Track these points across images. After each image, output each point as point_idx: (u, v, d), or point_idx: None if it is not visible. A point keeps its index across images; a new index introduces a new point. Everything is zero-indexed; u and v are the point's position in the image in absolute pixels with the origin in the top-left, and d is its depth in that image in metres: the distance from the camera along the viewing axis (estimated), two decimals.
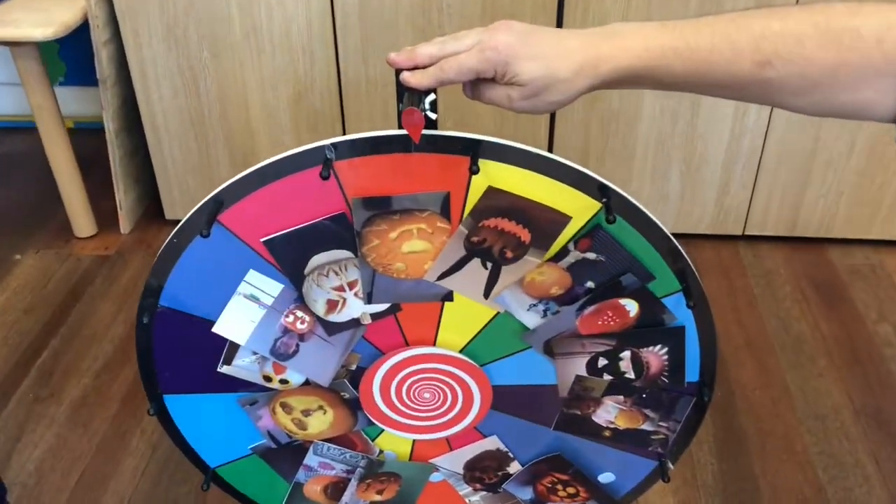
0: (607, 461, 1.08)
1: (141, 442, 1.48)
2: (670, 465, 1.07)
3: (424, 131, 0.80)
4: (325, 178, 0.82)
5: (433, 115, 0.80)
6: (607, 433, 1.04)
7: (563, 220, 0.86)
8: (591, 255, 0.89)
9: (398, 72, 0.80)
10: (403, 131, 0.80)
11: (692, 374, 0.98)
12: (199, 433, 1.06)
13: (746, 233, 1.92)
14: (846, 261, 1.87)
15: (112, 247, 1.99)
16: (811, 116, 0.77)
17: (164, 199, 2.00)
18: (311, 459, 1.07)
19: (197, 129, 1.89)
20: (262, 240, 0.89)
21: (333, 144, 0.84)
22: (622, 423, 1.03)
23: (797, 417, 1.48)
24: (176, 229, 0.90)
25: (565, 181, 0.84)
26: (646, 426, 1.03)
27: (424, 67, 0.78)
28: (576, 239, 0.88)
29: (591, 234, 0.87)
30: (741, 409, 1.49)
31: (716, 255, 1.89)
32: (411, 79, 0.78)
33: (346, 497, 1.11)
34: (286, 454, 1.07)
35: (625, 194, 0.86)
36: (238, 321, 0.95)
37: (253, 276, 0.92)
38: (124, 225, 2.02)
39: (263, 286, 0.93)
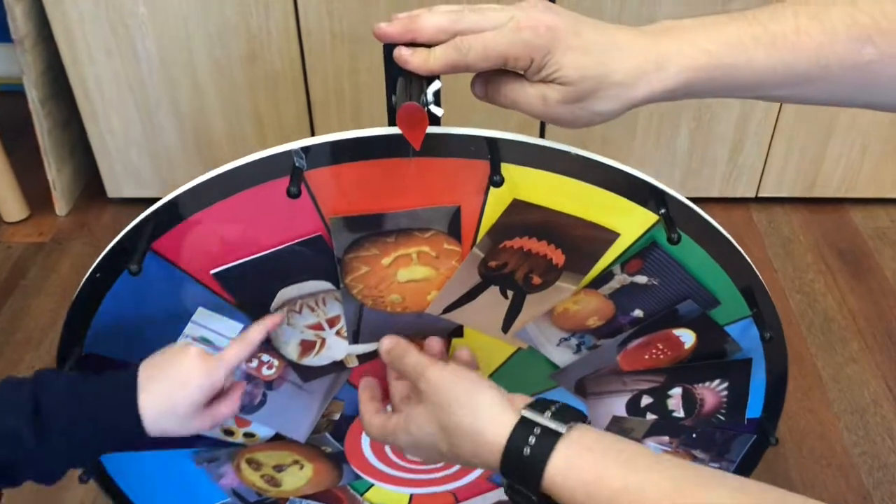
0: None
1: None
2: None
3: (429, 129, 0.59)
4: (293, 195, 0.61)
5: (438, 111, 0.59)
6: None
7: (609, 237, 0.66)
8: (641, 279, 0.69)
9: (389, 48, 0.58)
10: (396, 129, 0.59)
11: (754, 409, 0.80)
12: (148, 494, 0.86)
13: (760, 195, 1.73)
14: (870, 223, 1.69)
15: (47, 232, 1.74)
16: None
17: (104, 176, 1.75)
18: None
19: (137, 94, 1.64)
20: (213, 272, 0.68)
21: (304, 149, 0.63)
22: None
23: (833, 412, 1.32)
24: (98, 262, 0.68)
25: (611, 188, 0.64)
26: None
27: (428, 46, 0.56)
28: (624, 260, 0.68)
29: (643, 253, 0.67)
30: None
31: (727, 221, 1.70)
32: (413, 59, 0.56)
33: None
34: None
35: (686, 201, 0.66)
36: None
37: (203, 315, 0.71)
38: (60, 206, 1.77)
39: (217, 327, 0.72)
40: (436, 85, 0.57)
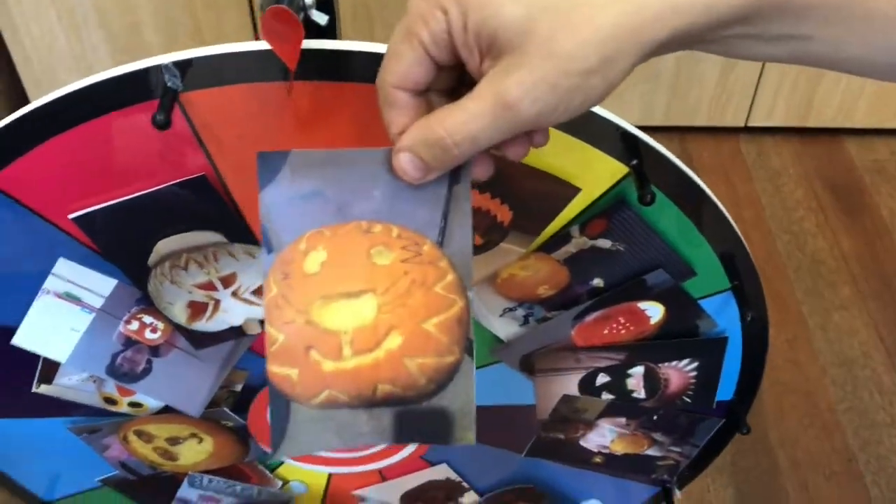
0: (593, 487, 0.80)
1: None
2: (678, 493, 0.79)
3: (309, 45, 0.45)
4: (160, 125, 0.47)
5: (321, 18, 0.45)
6: (598, 459, 0.75)
7: (567, 192, 0.54)
8: (604, 244, 0.57)
9: None
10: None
11: (726, 392, 0.69)
12: (22, 464, 0.75)
13: (750, 124, 1.59)
14: (867, 156, 1.56)
15: None
16: None
17: (31, 96, 1.58)
18: (187, 492, 0.77)
19: (59, 6, 1.46)
20: (72, 216, 0.54)
21: (178, 64, 0.48)
22: (620, 449, 0.74)
23: (819, 365, 1.22)
24: None
25: (572, 131, 0.51)
26: (651, 451, 0.74)
27: None
28: (584, 220, 0.55)
29: (608, 212, 0.54)
30: None
31: (715, 152, 1.57)
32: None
33: None
34: (151, 485, 0.77)
35: (664, 150, 0.53)
36: (51, 330, 0.62)
37: (65, 266, 0.58)
38: None
39: (85, 281, 0.59)
40: None
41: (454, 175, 0.38)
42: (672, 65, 1.51)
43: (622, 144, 0.52)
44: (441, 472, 0.76)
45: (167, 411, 0.68)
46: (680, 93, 1.55)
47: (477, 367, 0.66)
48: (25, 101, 1.58)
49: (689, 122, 1.58)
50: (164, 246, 0.57)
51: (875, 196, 1.49)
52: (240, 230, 0.56)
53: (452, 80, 0.37)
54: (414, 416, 0.40)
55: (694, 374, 0.66)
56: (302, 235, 0.39)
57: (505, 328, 0.63)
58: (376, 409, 0.40)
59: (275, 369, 0.40)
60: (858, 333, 1.26)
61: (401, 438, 0.41)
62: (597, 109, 0.51)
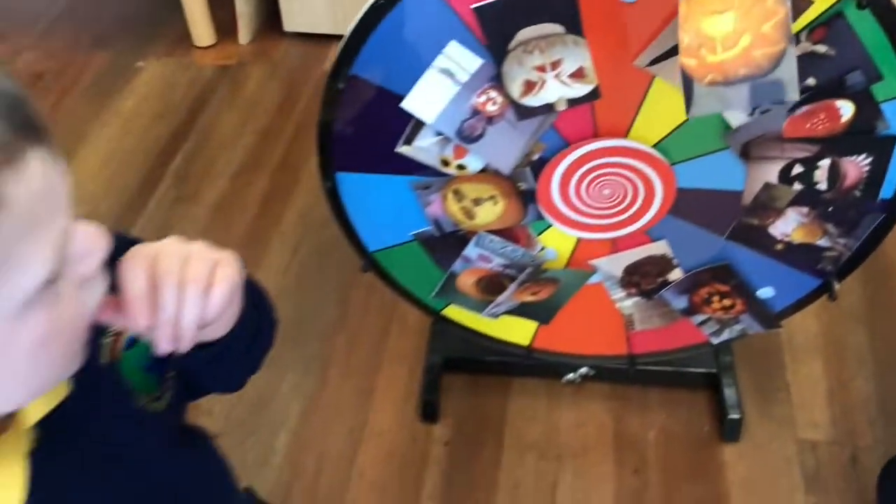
0: (771, 275, 1.06)
1: (282, 244, 1.51)
2: (836, 284, 1.05)
3: None
4: None
5: None
6: (779, 246, 1.01)
7: (802, 4, 0.80)
8: (821, 48, 0.84)
9: None
10: None
11: (888, 190, 0.95)
12: (365, 215, 1.06)
13: None
14: None
15: (232, 57, 1.95)
16: None
17: (283, 10, 1.94)
18: (471, 250, 1.06)
19: None
20: (474, 6, 0.85)
21: None
22: (798, 237, 1.00)
23: None
24: None
25: None
26: (822, 242, 1.00)
27: None
28: (812, 27, 0.82)
29: (829, 22, 0.81)
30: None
31: None
32: None
33: (501, 298, 1.10)
34: (447, 243, 1.06)
35: None
36: (428, 98, 0.92)
37: (453, 48, 0.88)
38: (243, 35, 1.98)
39: (462, 60, 0.89)
40: None
41: None
42: None
43: None
44: (660, 248, 1.04)
45: (482, 174, 0.98)
46: None
47: (708, 153, 0.94)
48: (277, 15, 1.92)
49: None
50: (522, 34, 0.87)
51: None
52: (576, 23, 0.85)
53: None
54: (760, 87, 0.69)
55: (867, 168, 0.92)
56: None
57: (737, 117, 0.89)
58: (738, 84, 0.69)
59: (684, 59, 0.69)
60: None
61: (752, 103, 0.69)
62: None
